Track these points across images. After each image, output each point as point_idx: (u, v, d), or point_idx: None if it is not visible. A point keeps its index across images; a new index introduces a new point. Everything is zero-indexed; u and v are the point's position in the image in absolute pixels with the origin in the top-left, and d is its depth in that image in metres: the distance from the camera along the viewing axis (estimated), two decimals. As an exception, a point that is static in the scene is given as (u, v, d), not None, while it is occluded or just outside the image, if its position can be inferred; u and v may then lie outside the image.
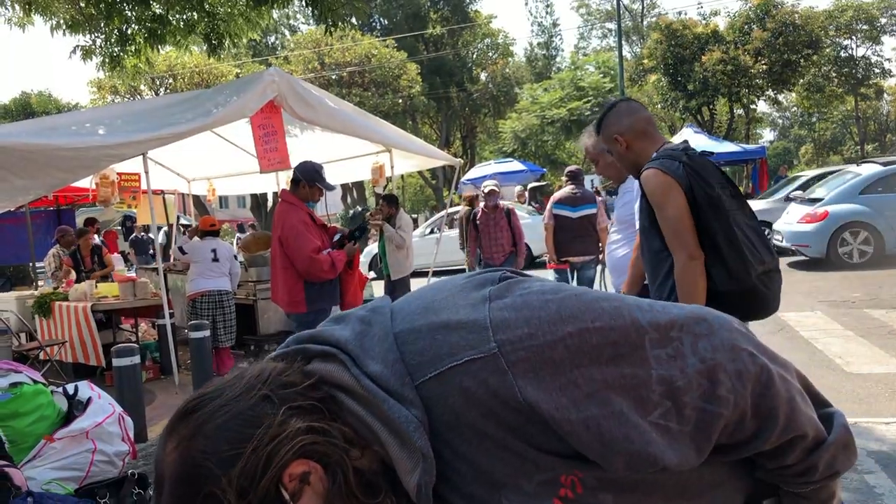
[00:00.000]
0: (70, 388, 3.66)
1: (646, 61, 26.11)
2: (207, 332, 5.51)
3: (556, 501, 0.73)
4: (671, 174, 2.30)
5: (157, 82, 23.70)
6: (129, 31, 6.70)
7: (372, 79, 26.37)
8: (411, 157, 7.72)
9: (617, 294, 0.82)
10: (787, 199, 11.99)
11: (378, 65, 26.39)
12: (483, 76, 34.90)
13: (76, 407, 3.51)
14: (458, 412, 0.72)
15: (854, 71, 28.42)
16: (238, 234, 18.26)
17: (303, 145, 7.24)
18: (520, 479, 0.73)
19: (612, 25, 38.76)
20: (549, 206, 6.45)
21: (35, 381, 3.58)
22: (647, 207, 2.45)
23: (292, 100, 5.60)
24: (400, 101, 27.00)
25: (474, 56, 34.83)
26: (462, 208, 8.86)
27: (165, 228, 10.84)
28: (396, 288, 7.08)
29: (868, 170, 10.16)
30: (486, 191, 6.97)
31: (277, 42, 34.44)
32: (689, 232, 2.29)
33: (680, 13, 30.44)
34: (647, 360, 0.73)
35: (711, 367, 0.74)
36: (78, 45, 6.81)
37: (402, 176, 24.05)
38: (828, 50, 25.95)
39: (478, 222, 7.04)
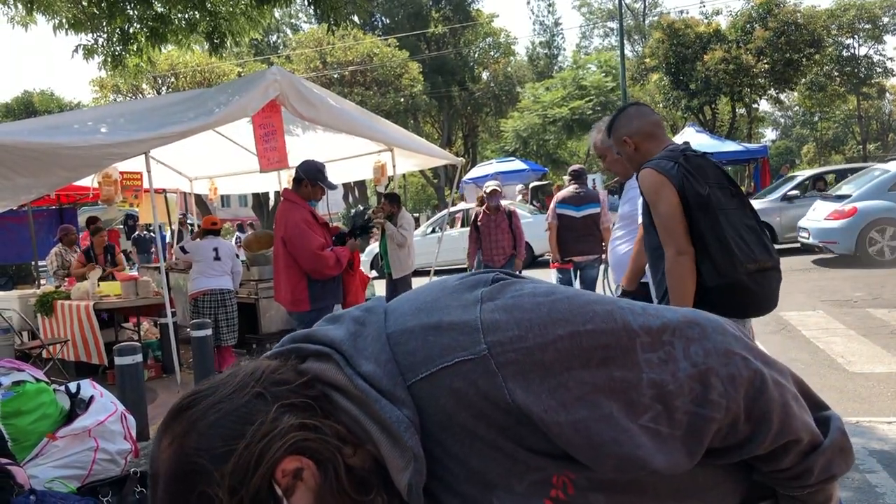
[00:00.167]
0: (72, 386, 3.68)
1: (648, 60, 26.11)
2: (209, 331, 5.52)
3: (548, 502, 0.74)
4: (664, 173, 2.36)
5: (160, 81, 23.74)
6: (131, 31, 6.70)
7: (374, 78, 26.37)
8: (413, 156, 7.71)
9: (611, 297, 0.82)
10: (784, 199, 12.00)
11: (380, 64, 26.39)
12: (485, 75, 34.89)
13: (78, 405, 3.53)
14: (449, 413, 0.72)
15: (856, 70, 28.32)
16: (238, 234, 18.28)
17: (305, 144, 7.24)
18: (511, 479, 0.74)
19: (613, 24, 38.81)
20: (552, 206, 6.39)
21: (37, 380, 3.59)
22: (646, 205, 2.51)
23: (294, 99, 5.59)
24: (402, 100, 26.98)
25: (476, 55, 34.83)
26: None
27: (174, 227, 10.85)
28: (398, 286, 7.08)
29: (897, 167, 10.20)
30: (487, 191, 6.95)
31: (279, 41, 34.52)
32: (679, 228, 2.34)
33: (682, 12, 30.33)
34: (637, 364, 0.73)
35: (703, 372, 0.74)
36: (80, 44, 6.81)
37: (403, 175, 24.01)
38: (830, 49, 25.86)
39: (479, 224, 6.99)
